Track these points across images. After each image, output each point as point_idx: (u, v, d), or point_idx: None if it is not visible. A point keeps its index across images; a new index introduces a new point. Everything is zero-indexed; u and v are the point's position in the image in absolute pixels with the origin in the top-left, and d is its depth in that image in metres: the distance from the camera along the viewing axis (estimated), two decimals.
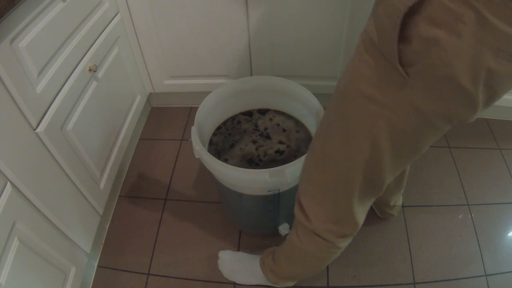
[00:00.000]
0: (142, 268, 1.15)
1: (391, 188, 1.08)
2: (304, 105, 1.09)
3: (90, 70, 1.04)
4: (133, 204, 1.32)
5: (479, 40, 0.41)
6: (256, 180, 0.88)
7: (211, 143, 1.12)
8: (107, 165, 1.22)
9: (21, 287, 0.78)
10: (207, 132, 1.12)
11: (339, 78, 0.63)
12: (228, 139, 1.12)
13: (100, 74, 1.13)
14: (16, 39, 0.77)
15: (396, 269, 1.12)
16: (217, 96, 1.08)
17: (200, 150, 0.92)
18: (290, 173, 0.86)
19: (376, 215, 1.22)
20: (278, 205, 1.02)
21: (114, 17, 1.21)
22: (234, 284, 1.10)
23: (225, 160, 1.06)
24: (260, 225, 1.17)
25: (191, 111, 1.65)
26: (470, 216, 1.24)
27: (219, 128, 1.16)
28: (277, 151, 1.08)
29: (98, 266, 1.16)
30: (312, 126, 1.10)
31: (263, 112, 1.19)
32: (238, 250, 1.18)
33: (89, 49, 1.06)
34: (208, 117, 1.09)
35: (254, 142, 1.11)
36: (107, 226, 1.26)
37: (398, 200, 1.17)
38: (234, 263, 1.11)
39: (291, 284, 1.03)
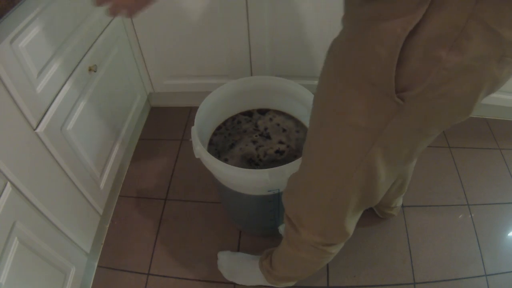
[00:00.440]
0: (142, 268, 1.15)
1: (392, 192, 1.08)
2: (304, 105, 1.08)
3: (90, 70, 1.04)
4: (133, 204, 1.32)
5: (483, 53, 0.39)
6: (256, 180, 0.88)
7: (211, 143, 1.12)
8: (107, 165, 1.22)
9: (21, 287, 0.78)
10: (207, 132, 1.12)
11: (313, 102, 0.58)
12: (228, 139, 1.12)
13: (100, 74, 1.13)
14: (16, 39, 0.77)
15: (396, 269, 1.12)
16: (217, 96, 1.08)
17: (200, 150, 0.92)
18: (290, 173, 0.85)
19: (376, 215, 1.22)
20: (278, 205, 1.02)
21: (114, 17, 1.21)
22: (234, 284, 1.10)
23: (225, 160, 1.06)
24: (260, 225, 1.17)
25: (191, 111, 1.65)
26: (470, 216, 1.24)
27: (219, 128, 1.16)
28: (277, 151, 1.08)
29: (98, 266, 1.16)
30: None
31: (263, 112, 1.19)
32: (238, 250, 1.18)
33: (89, 49, 1.06)
34: (208, 117, 1.09)
35: (254, 142, 1.11)
36: (107, 226, 1.26)
37: (398, 202, 1.17)
38: (233, 263, 1.11)
39: (290, 284, 1.03)
